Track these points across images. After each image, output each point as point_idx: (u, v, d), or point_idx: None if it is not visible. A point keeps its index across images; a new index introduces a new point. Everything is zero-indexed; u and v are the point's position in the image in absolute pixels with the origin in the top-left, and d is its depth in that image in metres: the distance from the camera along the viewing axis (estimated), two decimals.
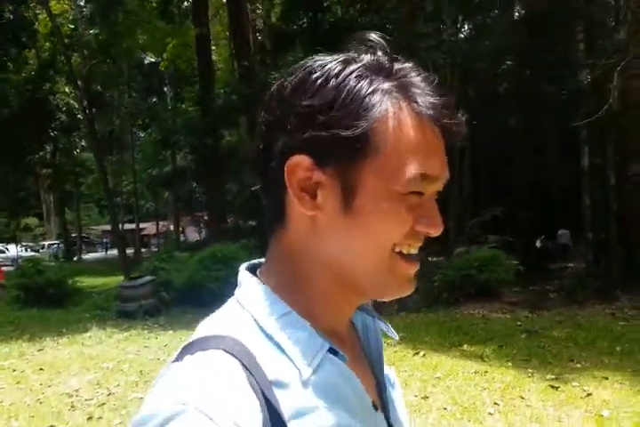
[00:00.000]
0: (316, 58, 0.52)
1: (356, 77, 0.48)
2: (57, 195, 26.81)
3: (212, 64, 17.44)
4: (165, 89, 26.53)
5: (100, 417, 4.10)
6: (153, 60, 26.12)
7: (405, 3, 12.97)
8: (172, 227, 27.43)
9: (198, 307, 8.65)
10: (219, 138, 13.85)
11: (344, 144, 0.47)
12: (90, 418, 4.07)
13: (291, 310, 0.51)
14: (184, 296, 8.69)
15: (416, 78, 0.50)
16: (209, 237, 15.26)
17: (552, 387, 4.43)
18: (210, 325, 0.51)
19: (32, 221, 33.52)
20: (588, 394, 4.24)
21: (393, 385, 0.61)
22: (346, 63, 0.50)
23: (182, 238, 25.36)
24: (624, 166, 11.81)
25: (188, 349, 0.47)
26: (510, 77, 15.23)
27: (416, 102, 0.49)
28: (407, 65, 0.51)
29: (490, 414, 3.95)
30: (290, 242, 0.53)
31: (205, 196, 15.29)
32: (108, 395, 4.63)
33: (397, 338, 0.62)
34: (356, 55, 0.51)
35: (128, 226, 28.40)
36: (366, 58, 0.50)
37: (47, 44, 21.56)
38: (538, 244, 16.91)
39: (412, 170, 0.48)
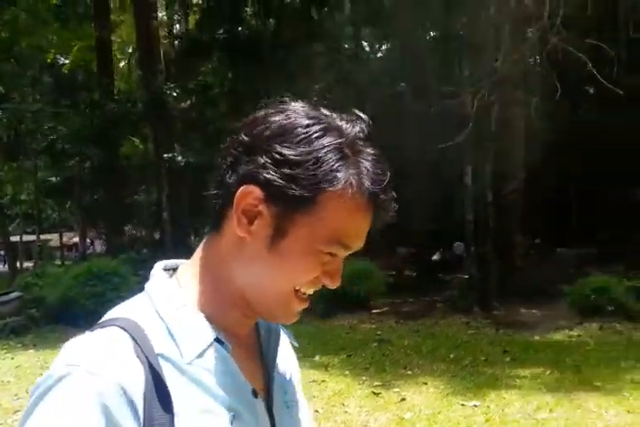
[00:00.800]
0: (300, 110, 0.59)
1: (328, 150, 0.56)
2: None
3: (112, 69, 17.01)
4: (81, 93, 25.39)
5: None
6: (67, 61, 25.01)
7: (305, 22, 13.48)
8: (76, 239, 26.07)
9: (70, 325, 8.25)
10: (114, 146, 13.44)
11: (294, 197, 0.56)
12: None
13: (189, 304, 0.60)
14: (56, 314, 8.30)
15: (372, 164, 0.58)
16: (106, 250, 14.75)
17: (374, 393, 4.75)
18: (115, 310, 0.60)
19: None
20: (403, 399, 4.59)
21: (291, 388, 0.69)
22: (327, 131, 0.58)
23: (90, 251, 24.22)
24: (502, 184, 12.92)
25: (92, 328, 0.57)
26: (407, 97, 16.13)
27: (365, 187, 0.57)
28: (370, 150, 0.59)
29: None
30: (216, 251, 0.62)
31: (102, 207, 14.76)
32: None
33: (297, 345, 0.75)
34: (338, 123, 0.59)
35: (30, 237, 26.56)
36: (346, 132, 0.59)
37: None
38: (437, 256, 17.91)
39: (336, 241, 0.58)
